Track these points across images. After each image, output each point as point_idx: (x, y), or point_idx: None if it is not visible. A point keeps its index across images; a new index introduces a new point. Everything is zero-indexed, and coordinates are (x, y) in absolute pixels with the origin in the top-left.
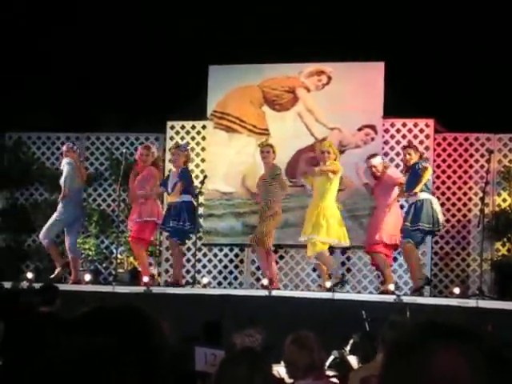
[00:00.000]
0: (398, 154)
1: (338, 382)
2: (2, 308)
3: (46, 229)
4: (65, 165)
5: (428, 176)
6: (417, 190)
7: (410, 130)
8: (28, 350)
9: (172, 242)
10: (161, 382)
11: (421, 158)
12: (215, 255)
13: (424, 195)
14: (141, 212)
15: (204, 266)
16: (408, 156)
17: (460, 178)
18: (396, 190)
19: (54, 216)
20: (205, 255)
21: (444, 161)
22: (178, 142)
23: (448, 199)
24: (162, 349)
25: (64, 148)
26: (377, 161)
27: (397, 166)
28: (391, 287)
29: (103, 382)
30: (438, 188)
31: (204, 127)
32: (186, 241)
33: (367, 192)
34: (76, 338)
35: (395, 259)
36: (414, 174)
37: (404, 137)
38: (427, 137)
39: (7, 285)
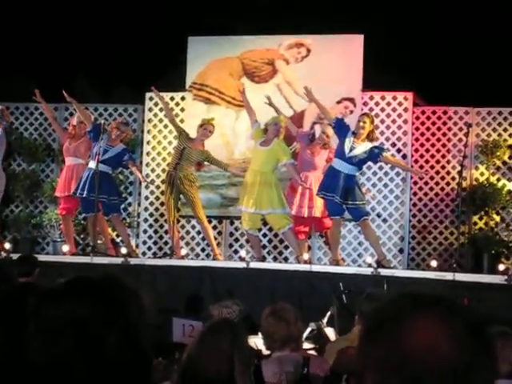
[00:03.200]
0: (376, 127)
1: (315, 353)
2: None
3: None
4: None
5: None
6: None
7: (388, 103)
8: (10, 319)
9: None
10: (141, 350)
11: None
12: (193, 227)
13: None
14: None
15: (182, 238)
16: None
17: (438, 151)
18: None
19: None
20: (183, 227)
21: (422, 134)
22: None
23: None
24: (142, 318)
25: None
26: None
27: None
28: (368, 260)
29: (83, 351)
30: (416, 161)
31: (183, 98)
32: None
33: None
34: (57, 308)
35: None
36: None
37: (383, 110)
38: (406, 110)
39: None
